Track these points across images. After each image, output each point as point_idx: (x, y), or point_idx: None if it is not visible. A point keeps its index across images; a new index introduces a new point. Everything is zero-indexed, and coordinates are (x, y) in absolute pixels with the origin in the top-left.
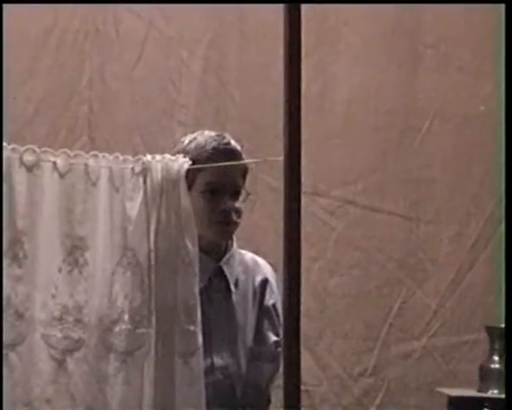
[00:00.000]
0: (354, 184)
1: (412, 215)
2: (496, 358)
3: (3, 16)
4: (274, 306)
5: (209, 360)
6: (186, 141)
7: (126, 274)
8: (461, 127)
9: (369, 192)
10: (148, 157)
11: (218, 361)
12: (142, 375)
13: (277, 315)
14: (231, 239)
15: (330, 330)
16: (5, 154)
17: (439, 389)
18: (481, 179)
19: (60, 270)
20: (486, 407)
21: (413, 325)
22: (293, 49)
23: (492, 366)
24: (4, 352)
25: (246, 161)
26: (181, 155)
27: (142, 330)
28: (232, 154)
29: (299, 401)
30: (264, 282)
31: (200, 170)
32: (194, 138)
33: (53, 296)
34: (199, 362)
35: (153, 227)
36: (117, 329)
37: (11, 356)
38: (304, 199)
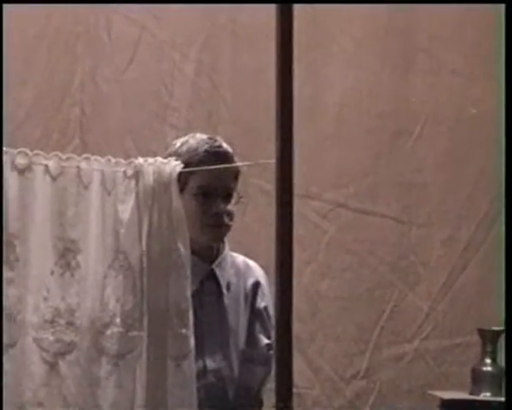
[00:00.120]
0: (346, 187)
1: (404, 218)
2: (488, 361)
3: (3, 16)
4: (266, 308)
5: (201, 363)
6: (178, 144)
7: (118, 277)
8: (453, 130)
9: (361, 195)
10: (140, 160)
11: (210, 364)
12: (135, 378)
13: (269, 318)
14: (223, 242)
15: (322, 332)
16: None
17: (431, 391)
18: (473, 182)
19: (52, 273)
20: (479, 409)
21: (405, 328)
22: (285, 52)
23: (484, 368)
24: None
25: (238, 163)
26: (173, 158)
27: (134, 333)
28: (224, 156)
29: (291, 403)
30: (256, 285)
31: (192, 173)
32: (186, 141)
33: (45, 299)
34: (191, 365)
35: (145, 230)
36: (109, 332)
37: (3, 359)
38: (296, 202)
